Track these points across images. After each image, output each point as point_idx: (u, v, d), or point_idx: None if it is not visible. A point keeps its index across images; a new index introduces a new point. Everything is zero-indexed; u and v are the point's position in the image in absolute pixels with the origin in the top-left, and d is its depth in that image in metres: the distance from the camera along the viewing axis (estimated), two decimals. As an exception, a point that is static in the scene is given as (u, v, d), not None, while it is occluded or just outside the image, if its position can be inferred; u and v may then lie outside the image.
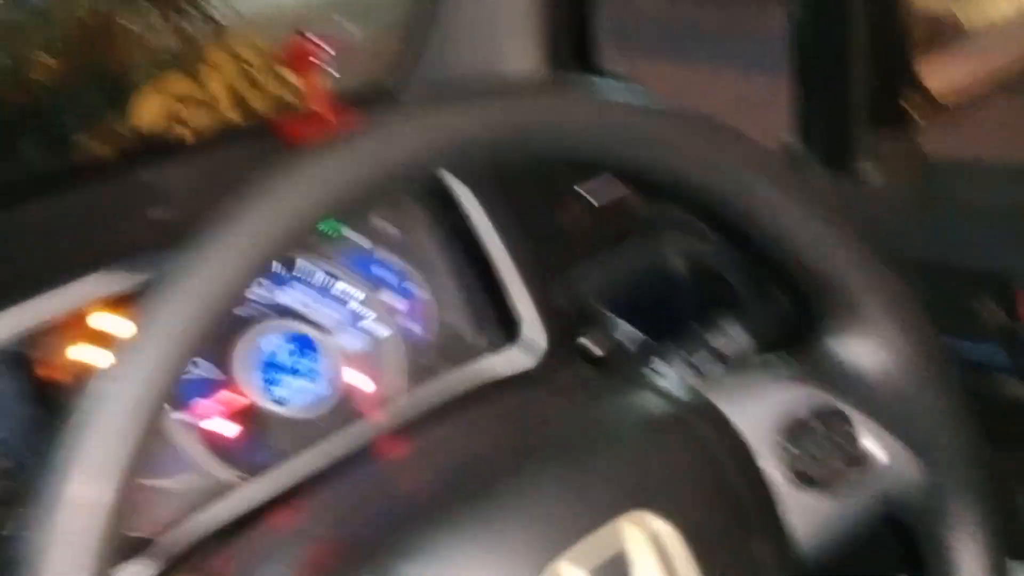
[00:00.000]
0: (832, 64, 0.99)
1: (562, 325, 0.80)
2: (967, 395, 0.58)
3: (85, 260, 0.68)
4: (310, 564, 0.51)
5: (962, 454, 0.57)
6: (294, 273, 0.75)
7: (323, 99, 0.82)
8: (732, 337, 0.80)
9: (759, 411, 0.55)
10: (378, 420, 0.72)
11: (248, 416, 0.71)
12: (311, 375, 0.73)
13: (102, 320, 0.67)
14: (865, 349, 0.56)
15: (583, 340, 0.85)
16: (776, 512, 0.53)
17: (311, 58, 0.84)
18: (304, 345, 0.73)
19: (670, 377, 0.74)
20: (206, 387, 0.70)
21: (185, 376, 0.69)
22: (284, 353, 0.72)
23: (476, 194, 0.78)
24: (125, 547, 0.63)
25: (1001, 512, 0.57)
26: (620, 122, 0.51)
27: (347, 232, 0.77)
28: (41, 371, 0.65)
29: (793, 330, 0.59)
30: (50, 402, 0.64)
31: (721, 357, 0.79)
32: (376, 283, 0.77)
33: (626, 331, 0.84)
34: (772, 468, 0.54)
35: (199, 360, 0.70)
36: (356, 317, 0.76)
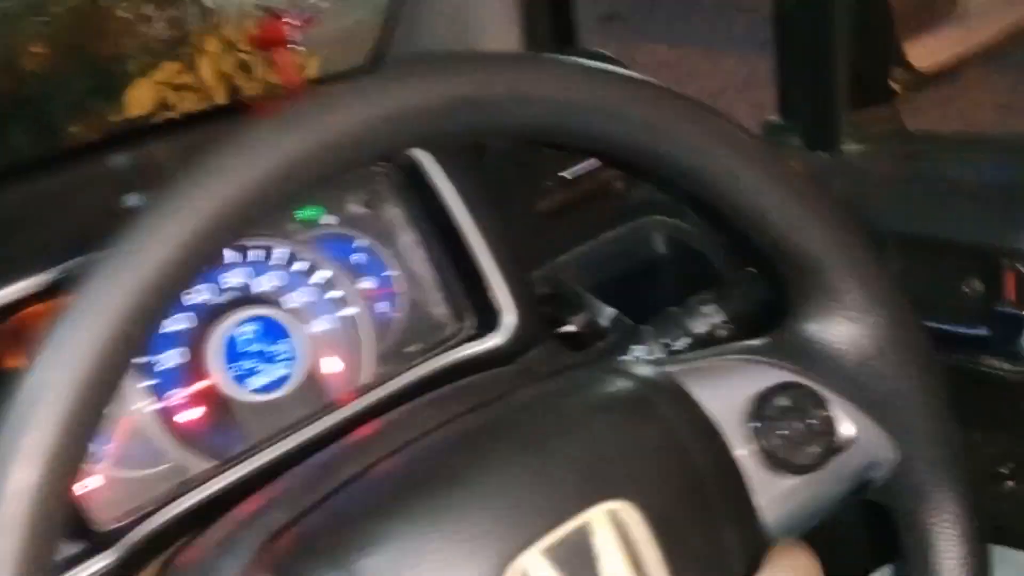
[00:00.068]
0: (816, 41, 0.98)
1: (537, 306, 0.79)
2: (950, 373, 0.57)
3: (48, 248, 0.66)
4: (270, 556, 0.50)
5: (939, 435, 0.56)
6: (266, 258, 0.73)
7: (294, 78, 0.81)
8: (712, 320, 0.79)
9: (732, 394, 0.54)
10: (347, 404, 0.71)
11: (218, 404, 0.70)
12: (282, 360, 0.72)
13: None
14: (842, 331, 0.55)
15: (561, 322, 0.84)
16: (747, 496, 0.52)
17: (283, 38, 0.83)
18: (274, 330, 0.72)
19: (645, 361, 0.73)
20: (176, 376, 0.69)
21: (156, 365, 0.69)
22: (254, 339, 0.71)
23: (449, 175, 0.76)
24: (95, 540, 0.63)
25: (978, 493, 0.56)
26: (594, 98, 0.50)
27: (322, 216, 0.76)
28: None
29: (773, 313, 0.58)
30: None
31: (700, 340, 0.78)
32: (347, 265, 0.76)
33: (605, 313, 0.83)
34: (744, 451, 0.53)
35: (169, 349, 0.68)
36: (326, 300, 0.75)
